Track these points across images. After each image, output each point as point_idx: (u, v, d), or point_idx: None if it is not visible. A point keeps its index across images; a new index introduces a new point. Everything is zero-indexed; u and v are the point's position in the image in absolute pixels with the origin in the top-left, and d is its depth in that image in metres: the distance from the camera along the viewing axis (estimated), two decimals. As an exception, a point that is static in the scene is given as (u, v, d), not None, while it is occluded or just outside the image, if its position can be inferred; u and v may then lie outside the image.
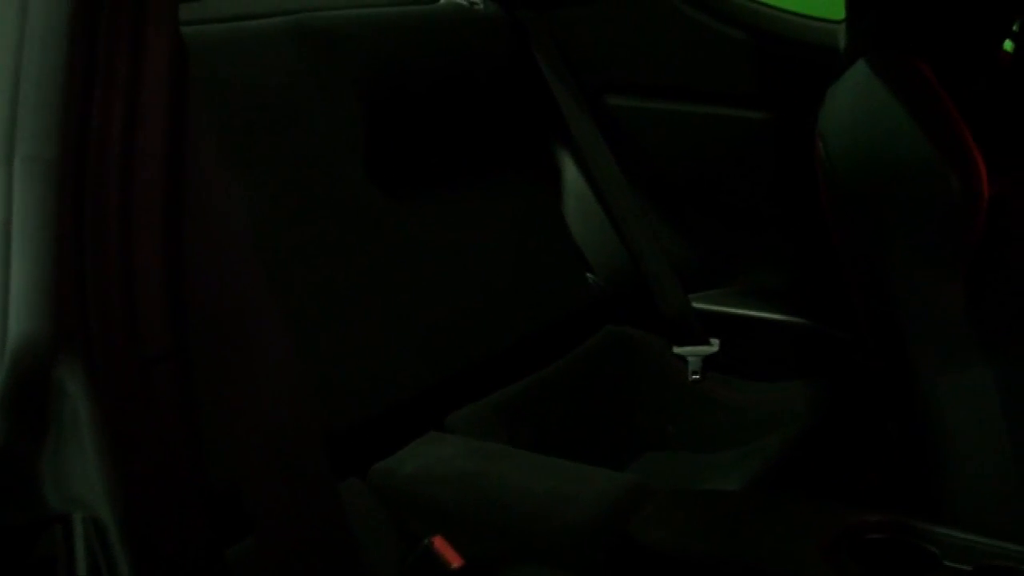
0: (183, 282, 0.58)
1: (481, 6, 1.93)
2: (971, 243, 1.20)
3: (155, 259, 0.55)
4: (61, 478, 0.53)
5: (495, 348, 1.76)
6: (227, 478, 0.69)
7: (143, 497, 0.53)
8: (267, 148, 1.52)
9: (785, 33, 1.86)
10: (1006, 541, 1.14)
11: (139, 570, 0.52)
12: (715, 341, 1.94)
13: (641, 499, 1.34)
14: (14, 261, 0.51)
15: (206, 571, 0.56)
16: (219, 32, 1.52)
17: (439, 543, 1.37)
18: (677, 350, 1.94)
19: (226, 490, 0.68)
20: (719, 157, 1.96)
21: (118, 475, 0.51)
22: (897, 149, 1.23)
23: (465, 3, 1.92)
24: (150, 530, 0.53)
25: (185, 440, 0.56)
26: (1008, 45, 1.47)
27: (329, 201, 1.59)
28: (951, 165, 1.19)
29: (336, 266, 1.57)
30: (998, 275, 1.23)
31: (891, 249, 1.28)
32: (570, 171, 2.03)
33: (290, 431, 0.70)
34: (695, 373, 1.92)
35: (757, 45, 1.89)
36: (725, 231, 2.00)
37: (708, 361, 1.93)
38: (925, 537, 1.16)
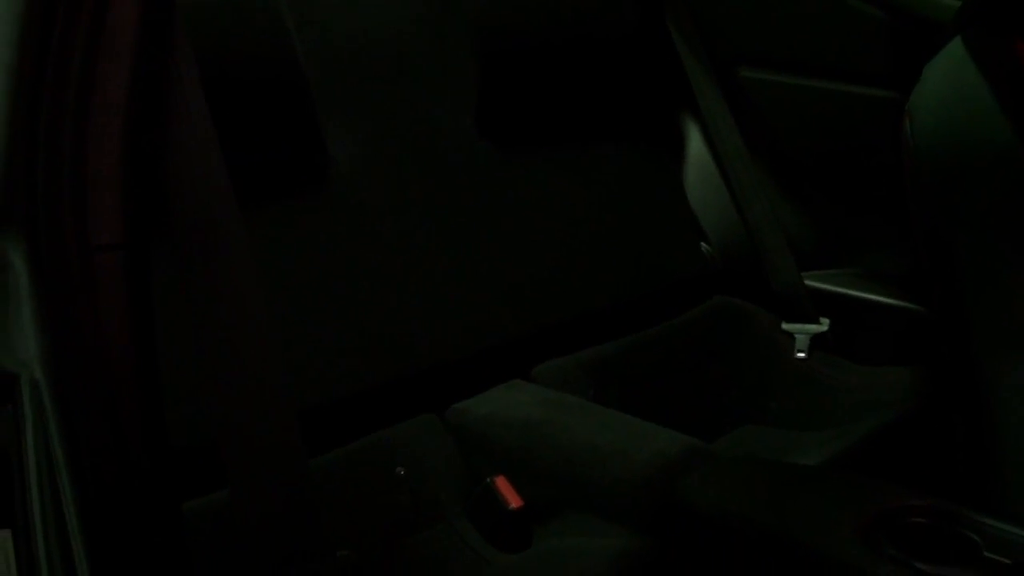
0: (148, 187, 0.65)
1: (615, -29, 1.95)
2: (1045, 231, 1.17)
3: (111, 159, 0.62)
4: (7, 340, 0.61)
5: (592, 305, 1.80)
6: (204, 431, 0.76)
7: (73, 364, 0.61)
8: (377, 95, 1.59)
9: (920, 11, 1.81)
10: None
11: (67, 425, 0.60)
12: (825, 320, 1.92)
13: (696, 462, 1.36)
14: None
15: (138, 444, 0.63)
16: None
17: (501, 483, 1.43)
18: (786, 326, 1.93)
19: (205, 444, 0.76)
20: (845, 135, 1.93)
21: (50, 342, 0.59)
22: (978, 131, 1.21)
23: (598, -33, 1.94)
24: (78, 394, 0.61)
25: (126, 324, 0.64)
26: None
27: (436, 151, 1.66)
28: (1025, 147, 1.16)
29: (438, 212, 1.64)
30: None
31: (964, 233, 1.25)
32: (694, 140, 2.04)
33: (265, 391, 0.76)
34: (801, 351, 1.90)
35: (892, 23, 1.85)
36: (845, 211, 1.97)
37: (816, 340, 1.91)
38: (969, 526, 1.15)
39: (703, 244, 2.03)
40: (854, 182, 1.95)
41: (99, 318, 0.62)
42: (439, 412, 1.55)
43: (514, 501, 1.42)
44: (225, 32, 1.34)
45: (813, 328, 1.92)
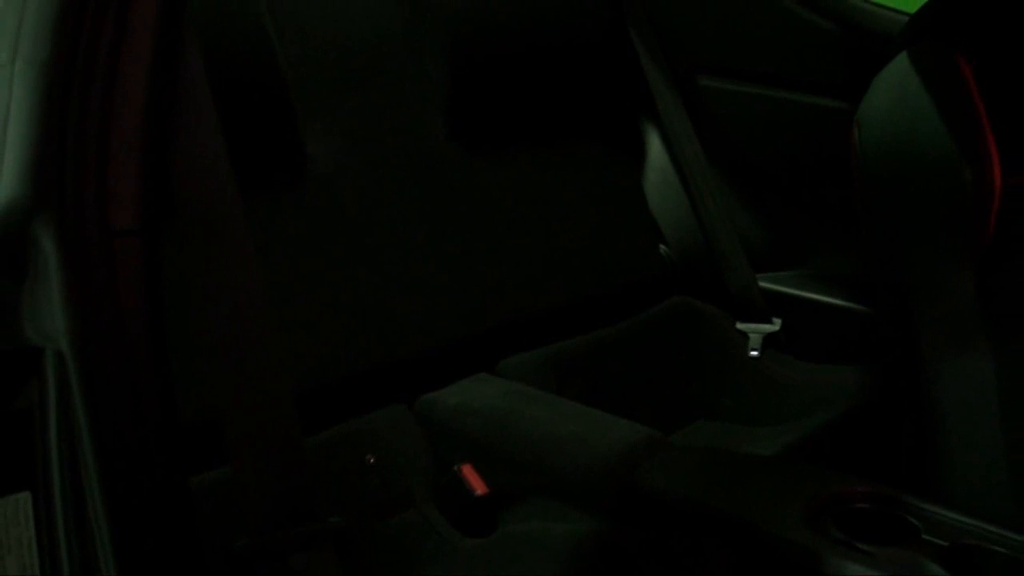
0: (160, 174, 0.72)
1: (580, -20, 2.01)
2: (983, 234, 1.24)
3: (133, 149, 0.69)
4: (36, 316, 0.67)
5: (556, 302, 1.86)
6: (208, 408, 0.82)
7: (96, 339, 0.67)
8: (353, 98, 1.65)
9: (871, 25, 1.90)
10: (987, 522, 1.18)
11: (90, 395, 0.66)
12: (777, 320, 1.99)
13: (653, 450, 1.43)
14: (7, 142, 0.66)
15: (152, 415, 0.69)
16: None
17: (467, 471, 1.50)
18: (740, 326, 2.00)
19: (206, 420, 0.81)
20: (798, 143, 2.01)
21: (76, 318, 0.65)
22: (919, 140, 1.28)
23: (563, -23, 2.01)
24: (100, 366, 0.67)
25: (142, 304, 0.70)
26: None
27: (408, 151, 1.72)
28: (965, 158, 1.23)
29: (408, 210, 1.70)
30: (1010, 266, 1.27)
31: (907, 237, 1.32)
32: (653, 145, 2.11)
33: (264, 370, 0.82)
34: (754, 349, 1.98)
35: (844, 37, 1.93)
36: (798, 215, 2.04)
37: (768, 339, 1.98)
38: (910, 511, 1.21)
39: (662, 246, 2.10)
40: (805, 188, 2.03)
41: (118, 297, 0.68)
42: (408, 403, 1.61)
43: (480, 488, 1.49)
44: (208, 36, 1.39)
45: (766, 328, 1.99)
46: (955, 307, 1.29)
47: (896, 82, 1.35)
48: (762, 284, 2.02)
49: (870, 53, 1.88)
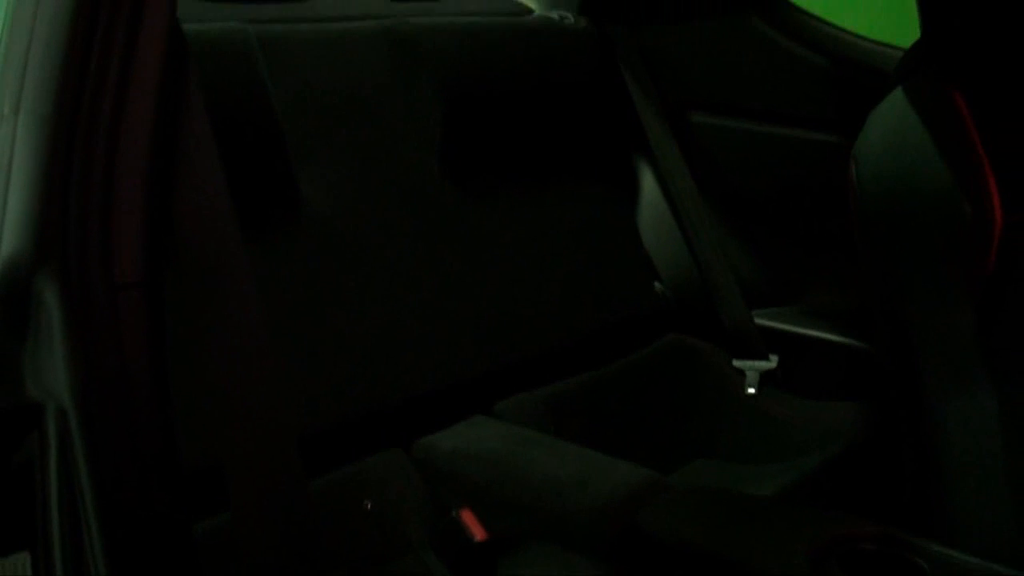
0: (162, 226, 0.70)
1: (571, 20, 2.02)
2: (983, 270, 1.24)
3: (136, 203, 0.67)
4: (38, 372, 0.66)
5: (551, 343, 1.85)
6: (210, 454, 0.80)
7: (99, 394, 0.65)
8: (346, 139, 1.64)
9: (864, 60, 1.91)
10: (993, 561, 1.17)
11: (93, 451, 0.64)
12: (774, 357, 1.98)
13: (655, 493, 1.41)
14: (10, 196, 0.64)
15: (155, 470, 0.68)
16: (311, 32, 1.65)
17: (466, 516, 1.47)
18: (736, 363, 1.99)
19: (207, 466, 0.80)
20: (793, 178, 2.01)
21: (79, 374, 0.64)
22: (918, 176, 1.28)
23: (556, 17, 2.02)
24: (103, 422, 0.65)
25: (145, 357, 0.68)
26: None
27: (402, 192, 1.71)
28: (965, 193, 1.23)
29: (403, 251, 1.69)
30: (1011, 303, 1.27)
31: (907, 273, 1.32)
32: (647, 182, 2.11)
33: (267, 415, 0.81)
34: (751, 387, 1.97)
35: (837, 71, 1.94)
36: (793, 251, 2.04)
37: (765, 376, 1.97)
38: (916, 552, 1.20)
39: (656, 283, 2.09)
40: (800, 223, 2.03)
41: (122, 352, 0.67)
42: (405, 446, 1.59)
43: (479, 533, 1.46)
44: (202, 78, 1.38)
45: (762, 364, 1.98)
46: (956, 344, 1.28)
47: (893, 118, 1.35)
48: (758, 320, 2.02)
49: (862, 87, 1.89)
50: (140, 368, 0.68)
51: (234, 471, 0.81)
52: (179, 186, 0.74)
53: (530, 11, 2.04)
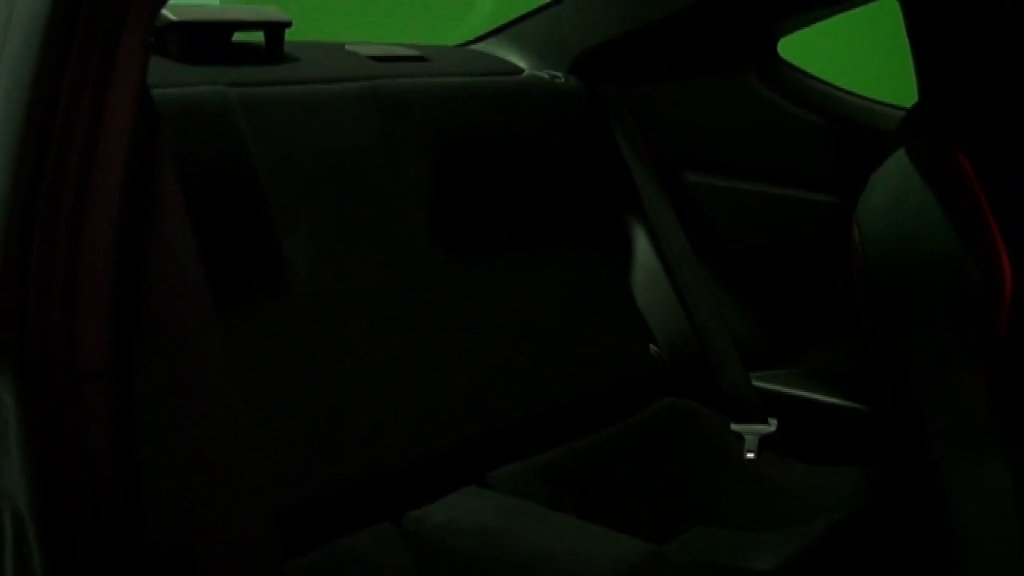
0: (131, 304, 0.65)
1: (563, 80, 1.99)
2: (993, 337, 1.19)
3: (102, 283, 0.62)
4: (-7, 474, 0.60)
5: (545, 409, 1.80)
6: (182, 535, 0.75)
7: (60, 499, 0.60)
8: (331, 203, 1.60)
9: (860, 119, 1.88)
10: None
11: (49, 556, 0.58)
12: (773, 421, 1.94)
13: (657, 568, 1.36)
14: None
15: (119, 565, 0.62)
16: (295, 93, 1.62)
17: (458, 595, 1.41)
18: (735, 427, 1.95)
19: (179, 548, 0.74)
20: (789, 238, 1.97)
21: (37, 476, 0.58)
22: (924, 239, 1.24)
23: (546, 76, 1.99)
24: (63, 526, 0.60)
25: (112, 449, 0.63)
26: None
27: (389, 256, 1.67)
28: (974, 258, 1.19)
29: (391, 314, 1.64)
30: (1022, 370, 1.22)
31: (913, 337, 1.27)
32: (640, 243, 2.07)
33: (242, 495, 0.76)
34: (751, 452, 1.92)
35: (833, 130, 1.91)
36: (791, 312, 2.00)
37: (765, 440, 1.93)
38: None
39: (652, 346, 2.05)
40: (798, 283, 1.99)
41: (86, 446, 0.61)
42: (394, 518, 1.53)
43: (472, 613, 1.40)
44: (183, 139, 1.34)
45: (762, 428, 1.94)
46: (966, 413, 1.24)
47: (896, 179, 1.31)
48: (756, 383, 1.97)
49: (859, 148, 1.86)
50: (106, 461, 0.62)
51: (205, 553, 0.75)
52: (149, 259, 0.69)
53: (520, 70, 2.01)
